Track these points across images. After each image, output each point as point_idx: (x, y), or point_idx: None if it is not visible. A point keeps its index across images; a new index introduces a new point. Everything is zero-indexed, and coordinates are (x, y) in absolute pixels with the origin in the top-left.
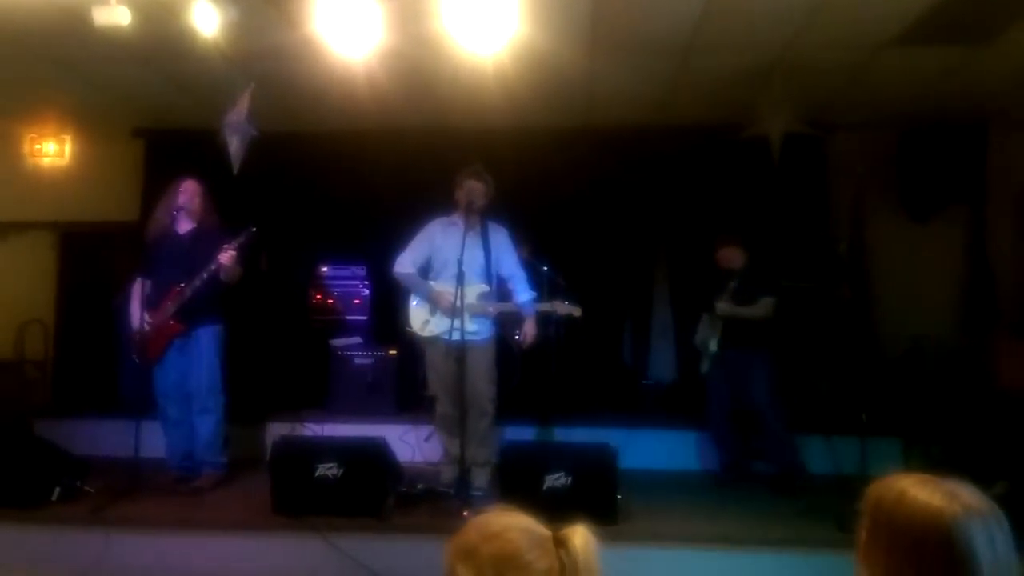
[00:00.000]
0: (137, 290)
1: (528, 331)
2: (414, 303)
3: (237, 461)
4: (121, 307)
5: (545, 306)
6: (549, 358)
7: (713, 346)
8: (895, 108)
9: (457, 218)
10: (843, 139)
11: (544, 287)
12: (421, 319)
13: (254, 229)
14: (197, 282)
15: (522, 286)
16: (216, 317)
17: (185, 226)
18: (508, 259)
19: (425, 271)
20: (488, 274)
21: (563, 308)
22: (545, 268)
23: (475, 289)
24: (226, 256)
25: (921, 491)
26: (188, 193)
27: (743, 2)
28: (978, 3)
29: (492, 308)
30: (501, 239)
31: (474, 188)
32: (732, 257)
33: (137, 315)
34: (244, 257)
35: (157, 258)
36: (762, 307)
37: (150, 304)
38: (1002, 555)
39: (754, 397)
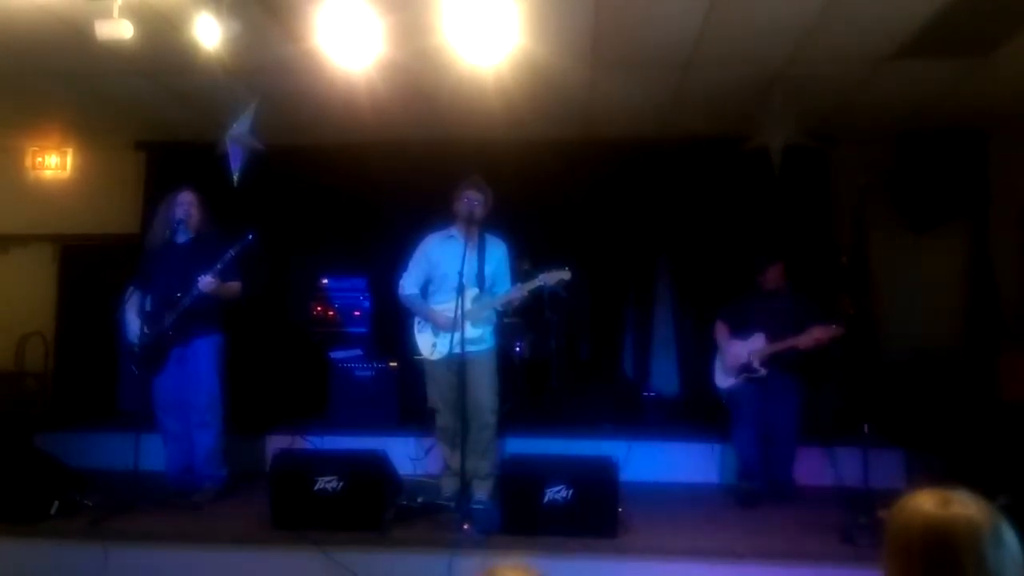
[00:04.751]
0: (133, 301)
1: (515, 292)
2: (417, 329)
3: (236, 474)
4: (119, 319)
5: (534, 282)
6: (550, 370)
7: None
8: (896, 120)
9: (455, 230)
10: (844, 151)
11: (545, 298)
12: (428, 343)
13: (251, 237)
14: (194, 292)
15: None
16: (215, 328)
17: (183, 237)
18: (502, 277)
19: (426, 287)
20: (482, 279)
21: (552, 277)
22: (542, 286)
23: (469, 294)
24: (204, 283)
25: (923, 499)
26: (185, 204)
27: (743, 16)
28: (977, 16)
29: (488, 305)
30: (499, 255)
31: (474, 199)
32: (777, 278)
33: (135, 326)
34: (245, 267)
35: (156, 270)
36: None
37: (149, 316)
38: (991, 565)
39: (781, 424)
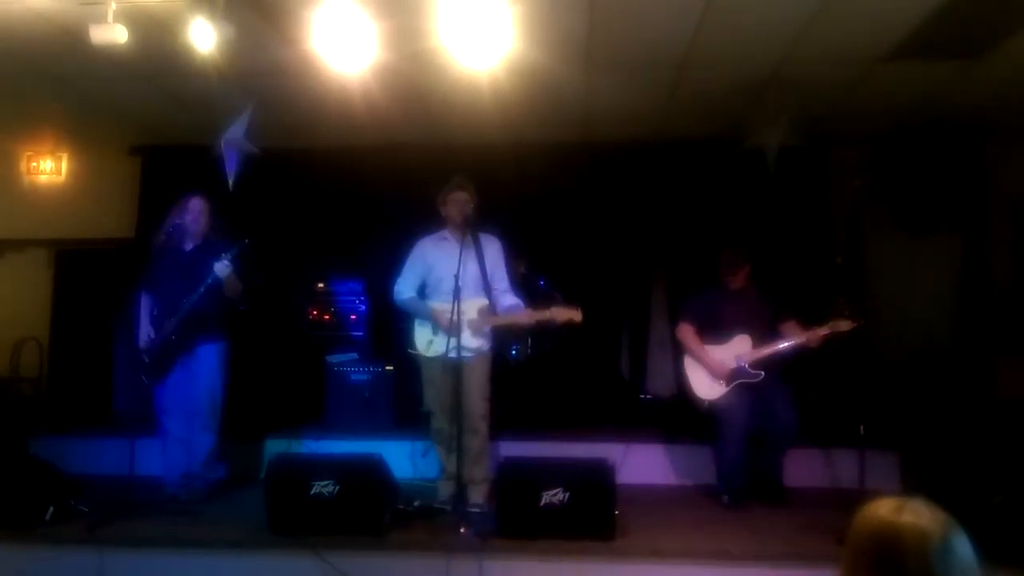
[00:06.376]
0: (144, 307)
1: (523, 317)
2: (418, 322)
3: (234, 478)
4: (126, 324)
5: (544, 313)
6: (546, 372)
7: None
8: (891, 121)
9: (447, 233)
10: (841, 152)
11: (541, 302)
12: (425, 339)
13: (247, 241)
14: (195, 296)
15: (508, 295)
16: (219, 335)
17: (190, 243)
18: (500, 274)
19: (423, 290)
20: (485, 286)
21: (562, 314)
22: (542, 283)
23: (475, 304)
24: (220, 267)
25: (880, 504)
26: (194, 211)
27: (737, 17)
28: (970, 18)
29: (493, 322)
30: (495, 251)
31: (462, 200)
32: (745, 277)
33: (145, 332)
34: (242, 270)
35: (162, 275)
36: (800, 334)
37: (154, 321)
38: (937, 574)
39: (782, 425)
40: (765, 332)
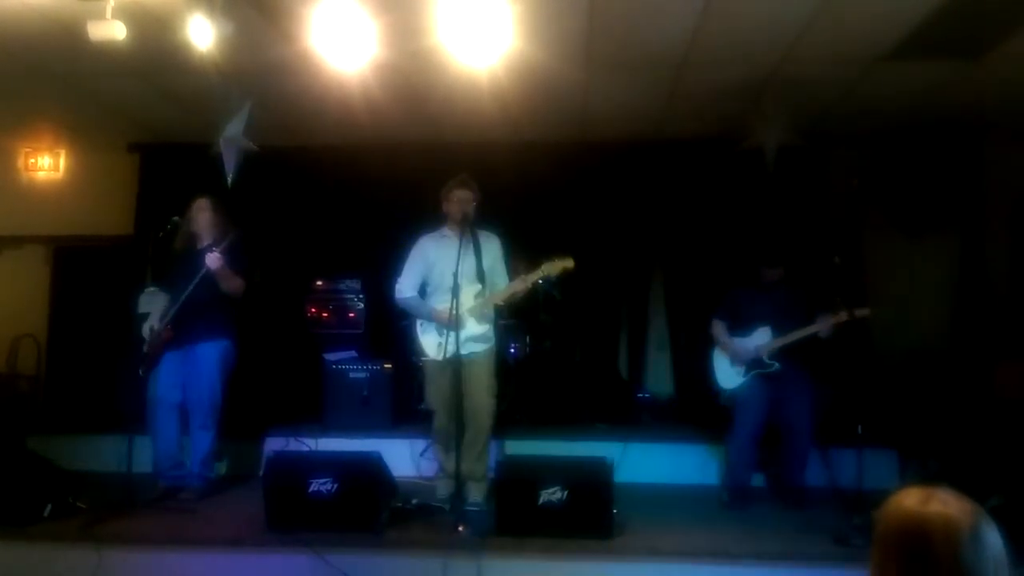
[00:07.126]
0: (156, 304)
1: (518, 284)
2: (420, 331)
3: (232, 476)
4: (125, 321)
5: (538, 272)
6: (545, 372)
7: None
8: (890, 121)
9: (448, 230)
10: (839, 152)
11: (540, 300)
12: (434, 344)
13: (240, 230)
14: (190, 287)
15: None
16: (223, 333)
17: (202, 242)
18: (500, 271)
19: (423, 289)
20: (480, 274)
21: (555, 267)
22: (540, 281)
23: (470, 291)
24: (211, 259)
25: (906, 496)
26: (193, 212)
27: (737, 18)
28: (969, 18)
29: (492, 300)
30: (494, 249)
31: (464, 198)
32: (779, 272)
33: (147, 327)
34: (234, 263)
35: (171, 274)
36: (824, 325)
37: (161, 318)
38: (966, 564)
39: (797, 418)
40: (790, 327)
